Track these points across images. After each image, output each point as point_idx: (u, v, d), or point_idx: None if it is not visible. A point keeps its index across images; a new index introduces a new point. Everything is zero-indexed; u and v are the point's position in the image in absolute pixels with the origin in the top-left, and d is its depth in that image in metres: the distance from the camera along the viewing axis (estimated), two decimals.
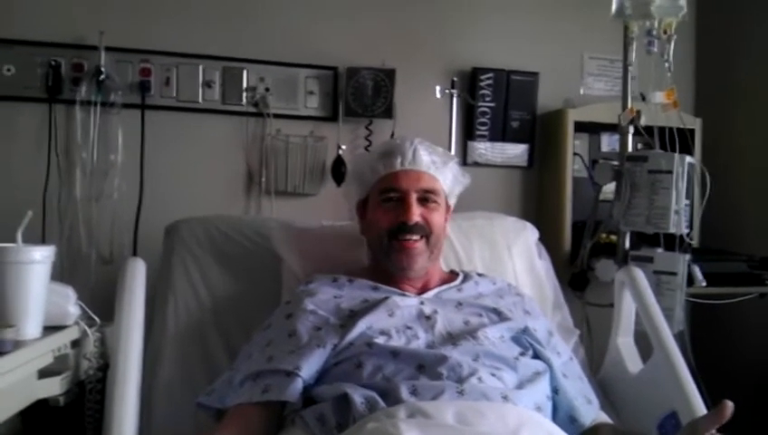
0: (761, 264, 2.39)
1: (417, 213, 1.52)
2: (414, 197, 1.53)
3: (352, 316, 1.43)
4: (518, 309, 1.56)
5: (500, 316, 1.48)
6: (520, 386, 1.33)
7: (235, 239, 1.87)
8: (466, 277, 1.64)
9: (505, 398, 1.25)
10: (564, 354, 1.52)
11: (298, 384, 1.28)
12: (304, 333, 1.38)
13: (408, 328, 1.40)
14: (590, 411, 1.42)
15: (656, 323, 1.63)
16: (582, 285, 2.35)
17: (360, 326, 1.38)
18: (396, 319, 1.42)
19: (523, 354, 1.42)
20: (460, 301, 1.52)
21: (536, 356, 1.44)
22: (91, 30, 2.38)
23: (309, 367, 1.31)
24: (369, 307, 1.45)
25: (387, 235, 1.53)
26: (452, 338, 1.39)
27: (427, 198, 1.55)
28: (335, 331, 1.39)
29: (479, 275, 1.68)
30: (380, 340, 1.35)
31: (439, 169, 1.58)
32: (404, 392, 1.23)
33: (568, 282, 2.35)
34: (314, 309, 1.45)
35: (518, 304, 1.59)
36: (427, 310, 1.46)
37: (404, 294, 1.52)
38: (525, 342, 1.45)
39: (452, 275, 1.67)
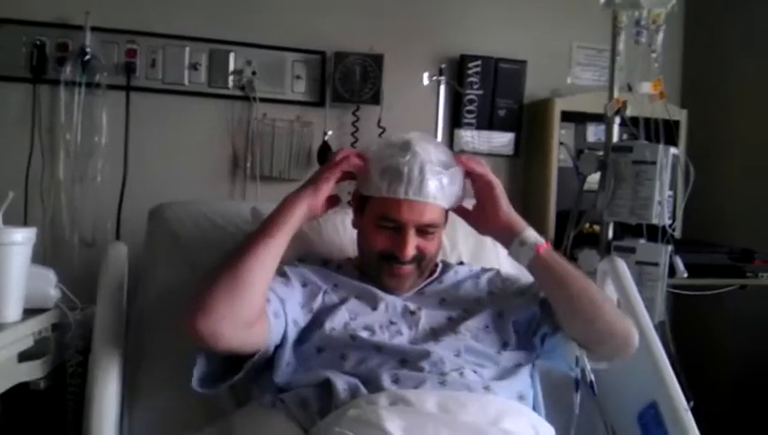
0: (742, 256, 2.41)
1: (412, 247, 1.42)
2: (412, 231, 1.41)
3: (337, 297, 1.43)
4: (496, 282, 1.57)
5: (479, 310, 1.47)
6: (501, 377, 1.33)
7: (219, 224, 1.85)
8: (446, 268, 1.62)
9: (487, 388, 1.26)
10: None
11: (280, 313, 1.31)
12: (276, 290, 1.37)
13: (393, 323, 1.40)
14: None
15: (637, 313, 1.64)
16: None
17: (343, 312, 1.38)
18: (379, 314, 1.41)
19: (506, 345, 1.42)
20: (443, 296, 1.51)
21: (520, 343, 1.44)
22: (77, 10, 2.36)
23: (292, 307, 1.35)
24: (353, 294, 1.44)
25: (377, 256, 1.46)
26: (435, 334, 1.39)
27: (425, 230, 1.43)
28: (311, 297, 1.42)
29: (459, 264, 1.68)
30: (364, 334, 1.34)
31: (445, 192, 1.42)
32: (386, 381, 1.23)
33: None
34: (298, 276, 1.45)
35: (493, 281, 1.58)
36: (412, 305, 1.45)
37: (387, 291, 1.49)
38: (508, 325, 1.45)
39: (433, 267, 1.63)
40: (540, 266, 1.38)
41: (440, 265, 1.63)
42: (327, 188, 1.39)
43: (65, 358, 1.52)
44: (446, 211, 1.48)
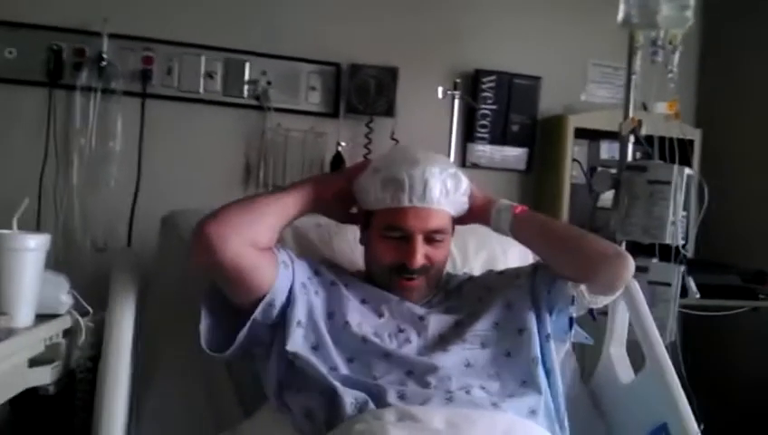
0: (754, 277, 2.40)
1: (421, 255, 1.41)
2: (420, 239, 1.41)
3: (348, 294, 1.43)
4: (492, 277, 1.59)
5: (484, 304, 1.46)
6: (511, 394, 1.32)
7: None
8: (450, 277, 1.62)
9: (495, 405, 1.25)
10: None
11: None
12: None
13: (401, 331, 1.39)
14: None
15: (649, 334, 1.63)
16: None
17: (356, 311, 1.38)
18: (386, 320, 1.40)
19: (521, 332, 1.40)
20: (448, 305, 1.50)
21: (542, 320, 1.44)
22: (95, 16, 2.38)
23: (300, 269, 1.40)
24: (360, 298, 1.44)
25: (388, 270, 1.45)
26: (443, 341, 1.38)
27: (433, 237, 1.43)
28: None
29: (464, 274, 1.68)
30: (375, 339, 1.34)
31: (450, 197, 1.44)
32: (392, 396, 1.22)
33: None
34: (310, 262, 1.49)
35: (488, 277, 1.60)
36: (420, 311, 1.44)
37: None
38: (522, 311, 1.43)
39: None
40: (521, 224, 1.46)
41: (444, 277, 1.63)
42: (334, 182, 1.50)
43: (75, 364, 1.52)
44: (453, 218, 1.48)
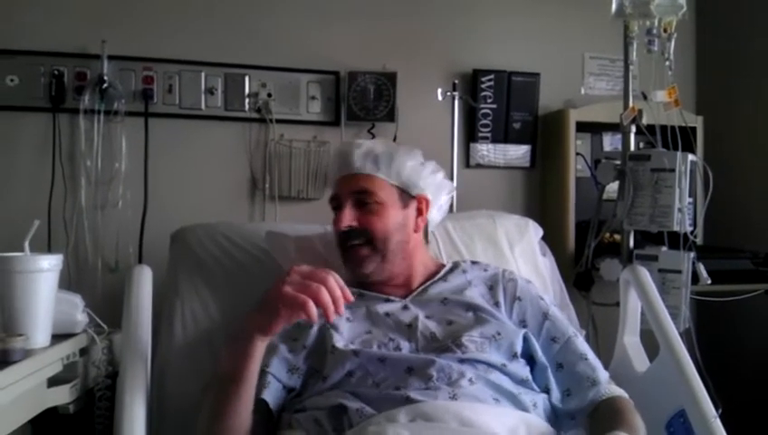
0: (765, 260, 2.39)
1: (348, 218, 1.48)
2: (349, 201, 1.50)
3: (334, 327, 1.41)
4: (508, 297, 1.53)
5: (486, 316, 1.45)
6: (511, 386, 1.32)
7: (241, 245, 1.86)
8: (455, 267, 1.62)
9: (497, 400, 1.25)
10: (562, 337, 1.47)
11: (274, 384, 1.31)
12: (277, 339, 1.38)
13: (391, 340, 1.39)
14: (589, 393, 1.37)
15: (662, 321, 1.63)
16: (587, 284, 2.35)
17: (341, 336, 1.38)
18: (375, 334, 1.40)
19: (515, 356, 1.38)
20: (446, 296, 1.50)
21: (528, 353, 1.43)
22: (94, 39, 2.40)
23: (279, 368, 1.33)
24: (344, 316, 1.43)
25: (339, 243, 1.52)
26: (436, 342, 1.38)
27: (362, 200, 1.50)
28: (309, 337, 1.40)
29: (473, 262, 1.66)
30: (365, 349, 1.34)
31: (378, 166, 1.52)
32: (397, 399, 1.21)
33: (573, 282, 2.35)
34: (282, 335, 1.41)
35: (508, 291, 1.54)
36: (408, 318, 1.44)
37: (388, 299, 1.50)
38: (511, 344, 1.41)
39: (439, 267, 1.63)
40: None
41: (449, 265, 1.63)
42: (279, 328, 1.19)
43: (93, 382, 1.53)
44: (398, 189, 1.54)
